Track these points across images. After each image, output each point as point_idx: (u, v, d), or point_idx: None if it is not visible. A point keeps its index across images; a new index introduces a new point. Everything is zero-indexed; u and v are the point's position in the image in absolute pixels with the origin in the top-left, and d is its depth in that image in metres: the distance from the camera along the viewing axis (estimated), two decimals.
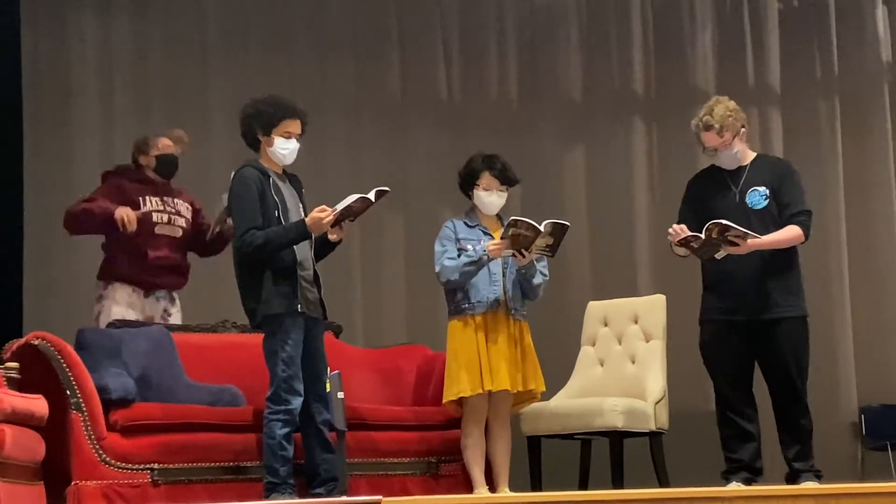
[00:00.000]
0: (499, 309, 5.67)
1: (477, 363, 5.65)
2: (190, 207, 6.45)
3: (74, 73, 7.56)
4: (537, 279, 5.70)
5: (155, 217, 6.31)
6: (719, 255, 5.60)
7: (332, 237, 5.42)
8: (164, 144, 6.40)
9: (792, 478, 5.64)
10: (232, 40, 7.81)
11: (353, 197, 5.34)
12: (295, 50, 7.90)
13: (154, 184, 6.39)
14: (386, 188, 5.40)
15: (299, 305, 5.27)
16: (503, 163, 5.79)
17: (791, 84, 8.18)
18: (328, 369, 5.45)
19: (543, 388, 5.74)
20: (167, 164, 6.39)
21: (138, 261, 6.24)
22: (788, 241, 5.69)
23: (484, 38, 8.15)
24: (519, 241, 5.53)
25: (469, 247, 5.70)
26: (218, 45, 7.78)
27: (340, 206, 5.33)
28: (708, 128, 5.71)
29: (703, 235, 5.52)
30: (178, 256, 6.36)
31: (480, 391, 5.63)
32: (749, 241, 5.55)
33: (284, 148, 5.39)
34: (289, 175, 5.51)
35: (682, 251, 5.71)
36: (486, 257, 5.62)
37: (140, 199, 6.30)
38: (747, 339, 5.69)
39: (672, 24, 8.25)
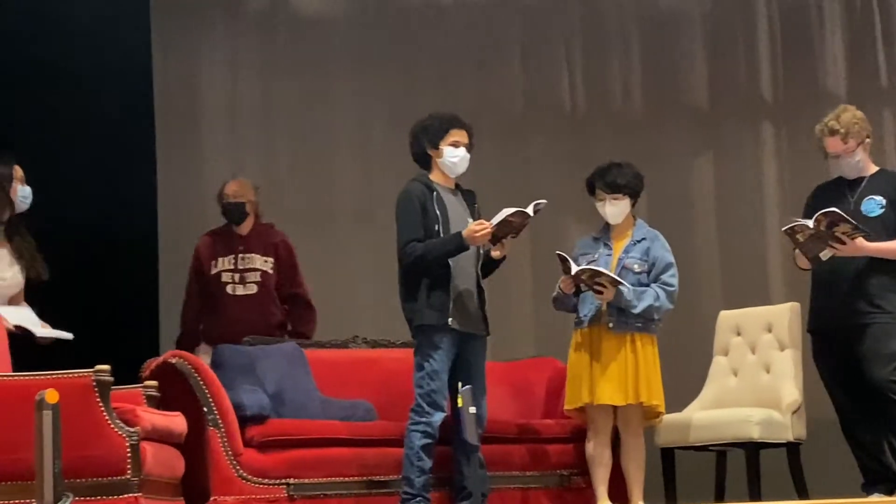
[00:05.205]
0: (600, 323, 5.65)
1: (578, 377, 5.67)
2: (269, 260, 6.50)
3: (203, 95, 7.71)
4: (639, 307, 5.60)
5: (224, 277, 6.43)
6: (824, 256, 5.51)
7: (495, 254, 5.50)
8: (229, 192, 6.52)
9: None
10: (355, 56, 7.88)
11: (509, 210, 5.38)
12: (417, 64, 7.94)
13: (232, 237, 6.49)
14: (543, 200, 5.44)
15: (450, 319, 5.33)
16: (612, 171, 5.76)
17: None
18: (484, 386, 5.50)
19: (656, 402, 5.66)
20: (230, 213, 6.51)
21: (214, 322, 6.37)
22: None
23: (607, 46, 8.10)
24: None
25: (582, 261, 5.72)
26: (342, 62, 7.86)
27: (496, 220, 5.36)
28: (833, 133, 5.68)
29: (811, 225, 5.44)
30: (254, 316, 6.40)
31: (579, 404, 5.66)
32: (857, 241, 5.45)
33: (454, 156, 5.49)
34: (463, 190, 5.60)
35: (803, 263, 5.65)
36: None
37: (212, 262, 6.45)
38: (847, 346, 5.58)
39: (800, 26, 8.10)
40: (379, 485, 5.55)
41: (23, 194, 5.45)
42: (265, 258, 6.51)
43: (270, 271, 6.51)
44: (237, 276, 6.45)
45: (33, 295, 5.59)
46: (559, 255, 5.65)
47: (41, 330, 5.36)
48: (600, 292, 5.58)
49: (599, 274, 5.56)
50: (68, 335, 5.42)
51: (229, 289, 6.44)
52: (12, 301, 5.45)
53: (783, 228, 5.64)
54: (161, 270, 7.39)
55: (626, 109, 8.08)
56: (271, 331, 6.42)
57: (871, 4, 8.05)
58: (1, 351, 5.14)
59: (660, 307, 5.66)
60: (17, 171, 5.46)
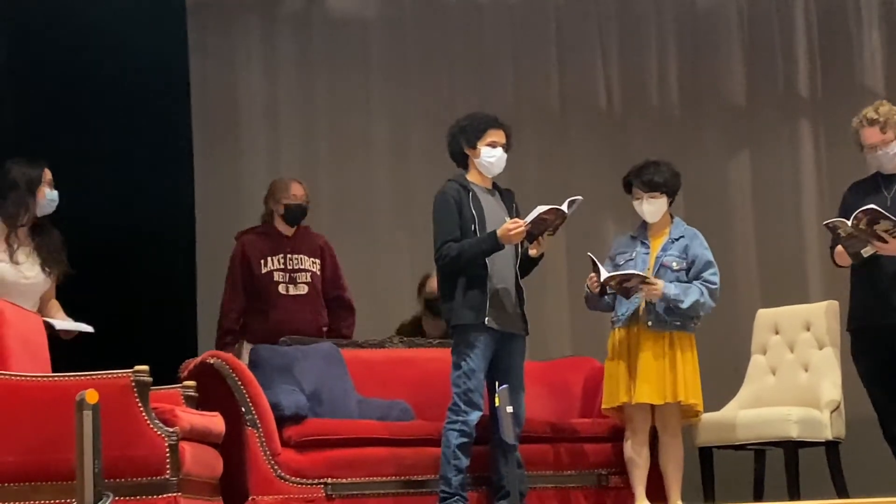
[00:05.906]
0: (638, 322, 5.63)
1: (616, 376, 5.65)
2: (317, 262, 6.52)
3: (240, 96, 7.75)
4: (687, 302, 5.56)
5: (276, 276, 6.43)
6: (866, 252, 5.47)
7: (532, 252, 5.51)
8: (298, 194, 6.51)
9: None
10: (392, 56, 7.90)
11: (543, 208, 5.38)
12: (454, 63, 7.95)
13: (279, 237, 6.49)
14: (578, 197, 5.44)
15: (487, 319, 5.34)
16: (650, 169, 5.74)
17: None
18: (523, 386, 5.50)
19: (693, 401, 5.63)
20: (295, 215, 6.50)
21: (263, 321, 6.37)
22: None
23: (644, 43, 8.08)
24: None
25: (620, 259, 5.71)
26: (378, 62, 7.88)
27: (529, 219, 5.37)
28: (872, 122, 5.66)
29: (850, 223, 5.39)
30: (308, 315, 6.42)
31: (617, 404, 5.64)
32: None
33: (491, 156, 5.51)
34: (501, 189, 5.61)
35: (842, 261, 5.62)
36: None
37: (262, 261, 6.43)
38: (886, 344, 5.53)
39: (837, 22, 8.05)
40: (416, 484, 5.56)
41: (50, 197, 5.49)
42: (312, 259, 6.53)
43: (318, 272, 6.53)
44: (287, 276, 6.47)
45: (73, 295, 5.63)
46: (591, 257, 5.64)
47: (61, 323, 5.40)
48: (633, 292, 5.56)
49: (628, 278, 5.54)
50: (88, 328, 5.46)
51: (281, 288, 6.44)
52: (43, 300, 5.49)
53: (825, 223, 5.61)
54: (199, 270, 7.43)
55: (663, 107, 8.05)
56: (319, 330, 6.45)
57: None
58: (41, 352, 5.19)
59: (704, 303, 5.63)
60: (47, 175, 5.50)
